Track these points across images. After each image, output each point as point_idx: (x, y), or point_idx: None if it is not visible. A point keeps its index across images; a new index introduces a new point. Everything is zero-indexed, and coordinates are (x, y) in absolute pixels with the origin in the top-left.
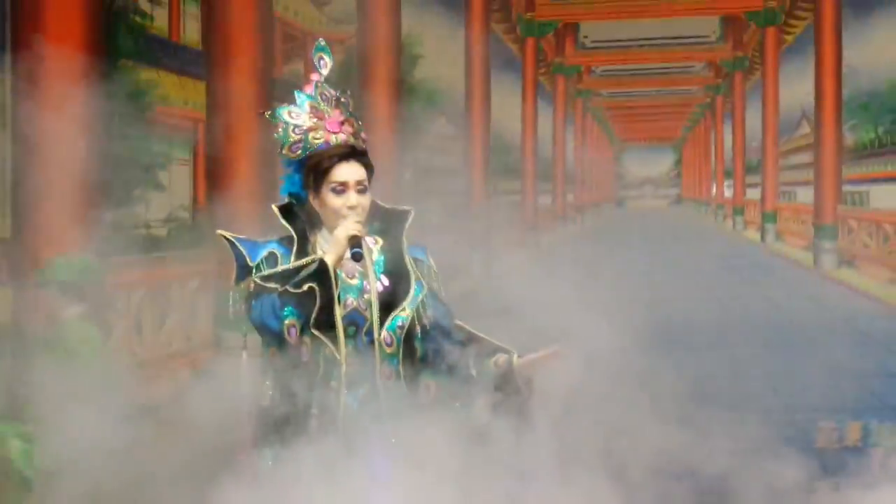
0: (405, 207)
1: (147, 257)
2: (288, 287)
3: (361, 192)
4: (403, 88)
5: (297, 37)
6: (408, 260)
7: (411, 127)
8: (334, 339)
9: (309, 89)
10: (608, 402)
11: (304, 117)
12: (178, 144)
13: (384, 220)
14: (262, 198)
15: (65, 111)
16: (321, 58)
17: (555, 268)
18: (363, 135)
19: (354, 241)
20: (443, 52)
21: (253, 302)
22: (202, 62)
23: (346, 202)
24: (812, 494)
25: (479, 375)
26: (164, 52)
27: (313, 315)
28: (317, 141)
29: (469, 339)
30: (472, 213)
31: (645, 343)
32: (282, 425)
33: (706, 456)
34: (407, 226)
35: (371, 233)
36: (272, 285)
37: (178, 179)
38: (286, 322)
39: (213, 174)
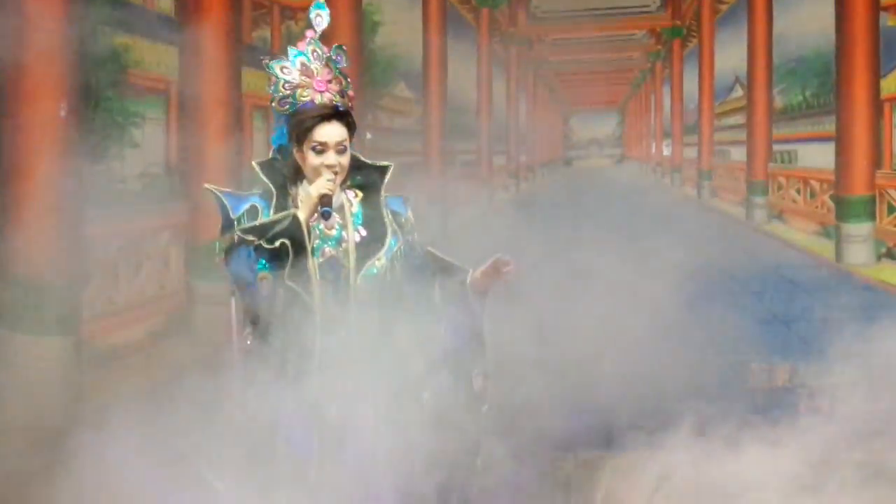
0: (385, 163)
1: (123, 210)
2: (262, 242)
3: (341, 152)
4: (364, 54)
5: (265, 4)
6: (385, 212)
7: (372, 90)
8: (309, 291)
9: (302, 46)
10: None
11: (294, 73)
12: (152, 105)
13: (365, 174)
14: (230, 155)
15: (45, 74)
16: (318, 14)
17: (505, 219)
18: (350, 92)
19: (325, 200)
20: (401, 20)
21: (231, 254)
22: (174, 28)
23: (324, 161)
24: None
25: (442, 301)
26: (139, 19)
27: (286, 268)
28: (304, 98)
29: (437, 271)
30: (429, 171)
31: (581, 277)
32: (262, 368)
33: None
34: (386, 180)
35: (353, 185)
36: (250, 238)
37: (152, 138)
38: (259, 275)
39: (183, 133)
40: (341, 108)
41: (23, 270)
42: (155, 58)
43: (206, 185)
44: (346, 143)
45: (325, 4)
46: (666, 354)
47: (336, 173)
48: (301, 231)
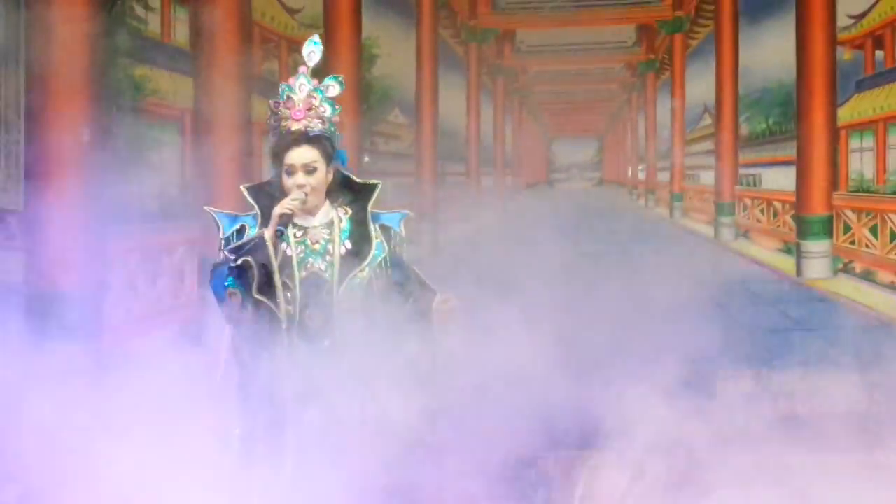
0: (374, 181)
1: (141, 227)
2: (231, 260)
3: (310, 172)
4: (363, 84)
5: (273, 39)
6: (372, 227)
7: (369, 116)
8: (276, 303)
9: (291, 81)
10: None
11: (280, 106)
12: (168, 131)
13: (354, 192)
14: (238, 176)
15: (72, 103)
16: (311, 51)
17: (492, 236)
18: (335, 118)
19: (283, 219)
20: (397, 53)
21: (212, 270)
22: (190, 61)
23: (294, 181)
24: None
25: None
26: (157, 52)
27: (254, 283)
28: (283, 128)
29: (415, 289)
30: (421, 192)
31: (562, 291)
32: (243, 373)
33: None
34: (374, 197)
35: (343, 203)
36: (226, 256)
37: (168, 161)
38: (228, 290)
39: (197, 157)
40: (312, 134)
41: (49, 281)
42: (171, 87)
43: (205, 207)
44: (317, 165)
45: (319, 41)
46: (630, 355)
47: (306, 193)
48: (265, 248)
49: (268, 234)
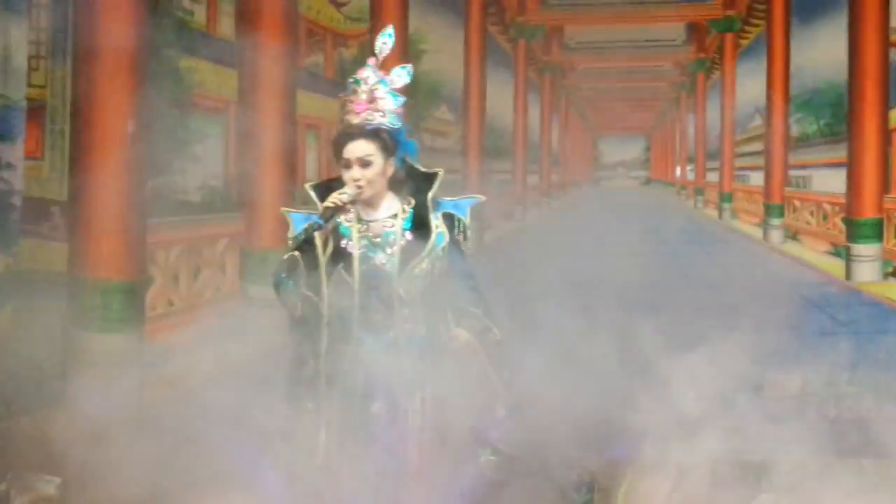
0: (435, 170)
1: (183, 219)
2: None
3: (365, 165)
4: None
5: (318, 32)
6: (433, 216)
7: (415, 113)
8: (321, 296)
9: (359, 73)
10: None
11: (346, 101)
12: (212, 123)
13: (417, 182)
14: (282, 169)
15: (117, 94)
16: (384, 42)
17: (536, 235)
18: (399, 109)
19: (325, 212)
20: (445, 49)
21: (276, 268)
22: (235, 53)
23: (350, 175)
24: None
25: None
26: (203, 44)
27: (302, 279)
28: (345, 121)
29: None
30: (467, 189)
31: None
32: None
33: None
34: (435, 185)
35: (407, 194)
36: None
37: (212, 153)
38: (282, 284)
39: (241, 150)
40: (369, 127)
41: (92, 273)
42: (216, 79)
43: (283, 209)
44: (372, 158)
45: (393, 35)
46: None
47: (361, 186)
48: (311, 244)
49: (317, 227)
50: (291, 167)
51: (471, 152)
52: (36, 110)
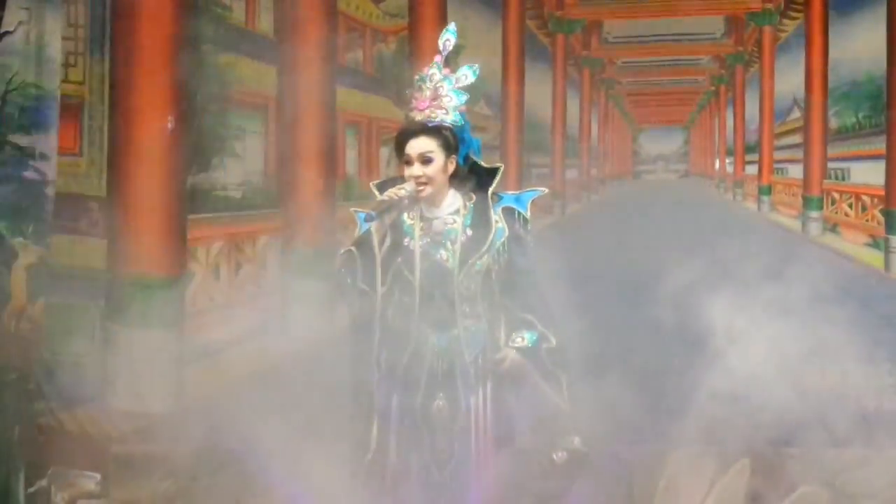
0: (496, 165)
1: (224, 215)
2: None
3: (426, 162)
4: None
5: (357, 28)
6: (492, 211)
7: None
8: (375, 289)
9: (425, 70)
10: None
11: (411, 98)
12: (252, 119)
13: (479, 178)
14: (322, 165)
15: (156, 90)
16: (448, 39)
17: (576, 228)
18: (463, 107)
19: (381, 205)
20: (483, 44)
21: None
22: (274, 49)
23: (411, 172)
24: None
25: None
26: (242, 40)
27: (359, 273)
28: (409, 118)
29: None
30: (506, 184)
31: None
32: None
33: None
34: (496, 180)
35: (469, 189)
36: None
37: (252, 149)
38: (341, 280)
39: (281, 146)
40: (431, 124)
41: (133, 269)
42: (256, 75)
43: (351, 209)
44: (432, 155)
45: (455, 31)
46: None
47: (424, 183)
48: (367, 242)
49: (374, 225)
50: (332, 163)
51: (510, 147)
52: (74, 106)
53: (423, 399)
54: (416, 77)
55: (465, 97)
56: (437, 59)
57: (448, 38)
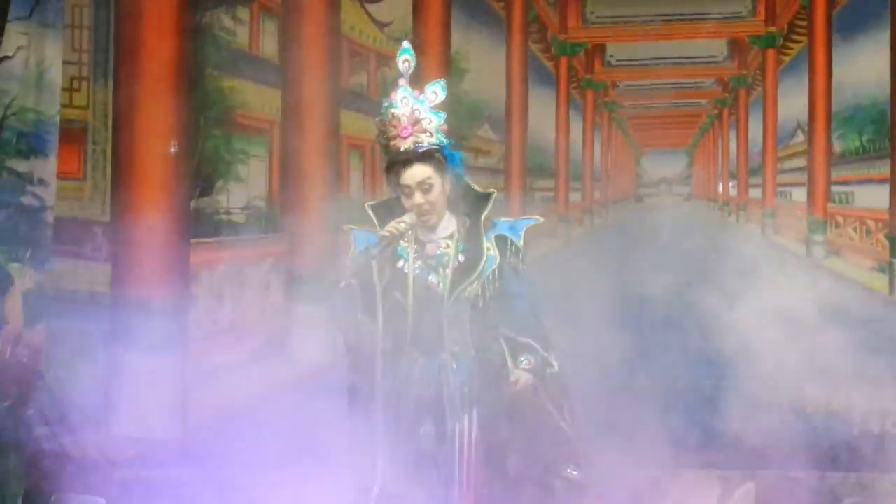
0: (489, 191)
1: (227, 239)
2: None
3: (426, 190)
4: (452, 98)
5: (362, 53)
6: (485, 237)
7: (457, 131)
8: (375, 321)
9: (394, 96)
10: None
11: (387, 125)
12: (256, 143)
13: (471, 202)
14: (326, 191)
15: (159, 114)
16: (405, 60)
17: (580, 250)
18: (444, 126)
19: (386, 240)
20: (486, 67)
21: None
22: (278, 73)
23: (413, 202)
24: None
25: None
26: (245, 64)
27: (358, 304)
28: (393, 147)
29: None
30: (510, 207)
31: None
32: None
33: None
34: (488, 207)
35: (462, 212)
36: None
37: (255, 173)
38: (339, 314)
39: (285, 170)
40: (422, 150)
41: (136, 293)
42: (259, 99)
43: (346, 226)
44: (431, 181)
45: (411, 50)
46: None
47: (428, 210)
48: (370, 270)
49: (373, 255)
50: (336, 187)
51: (513, 170)
52: (77, 131)
53: (412, 424)
54: (386, 103)
55: (443, 115)
56: (402, 82)
57: (405, 58)
